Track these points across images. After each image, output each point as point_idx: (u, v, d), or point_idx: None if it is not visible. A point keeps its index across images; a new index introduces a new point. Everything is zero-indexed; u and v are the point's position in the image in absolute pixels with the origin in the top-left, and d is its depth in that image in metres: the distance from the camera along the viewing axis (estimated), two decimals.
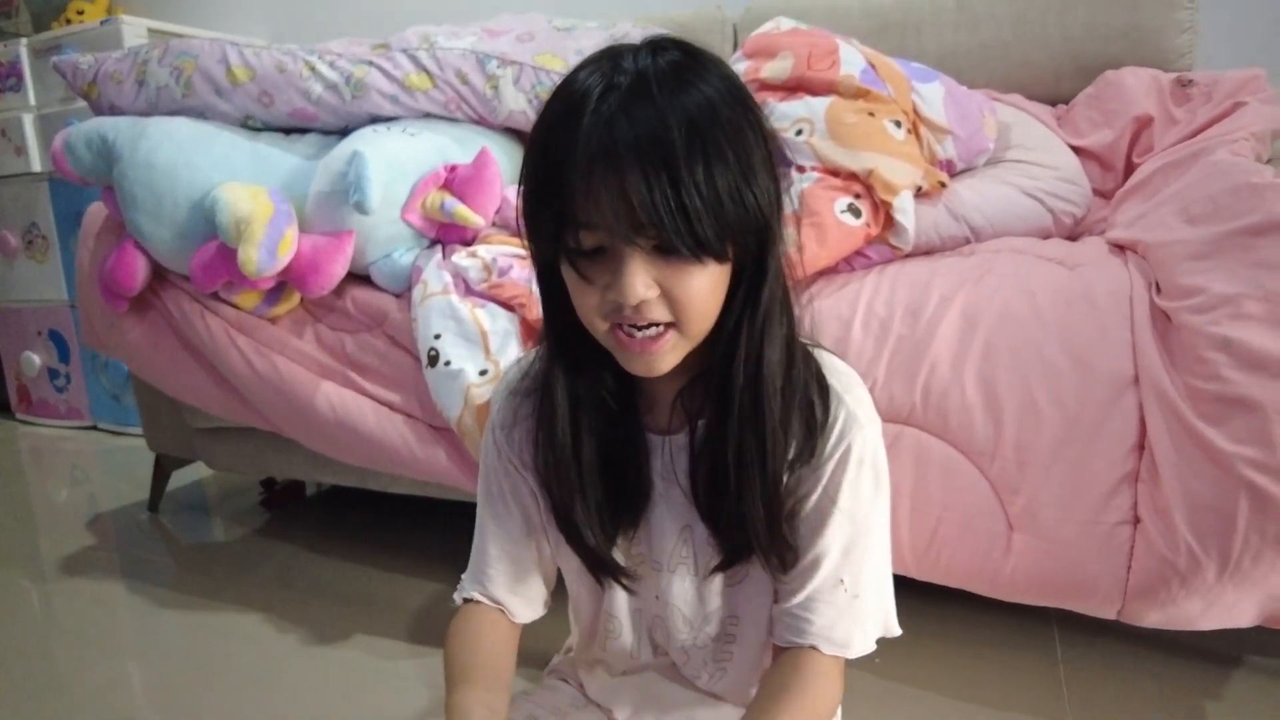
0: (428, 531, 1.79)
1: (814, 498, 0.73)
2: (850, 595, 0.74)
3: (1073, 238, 1.45)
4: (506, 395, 0.82)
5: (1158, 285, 1.07)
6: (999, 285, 1.13)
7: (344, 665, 1.33)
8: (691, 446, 0.74)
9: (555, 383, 0.73)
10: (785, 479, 0.71)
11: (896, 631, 0.78)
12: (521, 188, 0.68)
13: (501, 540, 0.83)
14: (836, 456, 0.72)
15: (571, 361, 0.73)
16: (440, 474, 1.34)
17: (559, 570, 0.87)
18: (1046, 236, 1.41)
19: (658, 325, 0.65)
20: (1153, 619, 0.95)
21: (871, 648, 0.76)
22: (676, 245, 0.60)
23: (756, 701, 0.75)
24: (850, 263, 1.29)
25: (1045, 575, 0.98)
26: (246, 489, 2.13)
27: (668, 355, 0.66)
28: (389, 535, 1.79)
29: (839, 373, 0.75)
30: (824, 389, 0.72)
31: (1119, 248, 1.22)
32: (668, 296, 0.64)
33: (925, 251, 1.35)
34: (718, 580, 0.80)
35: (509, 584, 0.83)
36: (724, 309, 0.68)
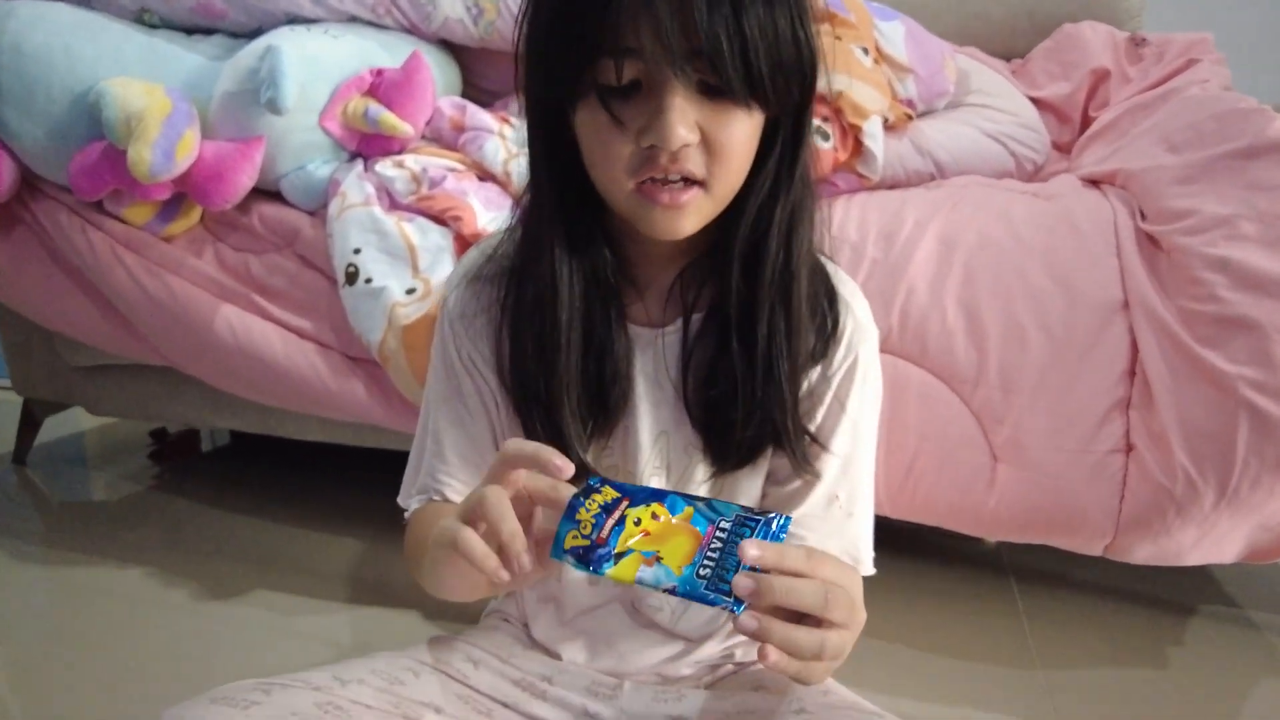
0: (337, 487, 1.63)
1: (824, 406, 0.69)
2: (845, 513, 0.70)
3: None
4: (466, 281, 0.72)
5: (1142, 212, 1.02)
6: (975, 211, 1.07)
7: (239, 623, 1.17)
8: (685, 340, 0.67)
9: (547, 260, 0.64)
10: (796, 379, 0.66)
11: (869, 558, 0.71)
12: (528, 13, 0.59)
13: (463, 446, 0.73)
14: (846, 366, 0.68)
15: (568, 227, 0.64)
16: (357, 410, 1.19)
17: None
18: None
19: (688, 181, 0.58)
20: (1142, 553, 0.89)
21: (870, 571, 0.70)
22: (730, 79, 0.53)
23: None
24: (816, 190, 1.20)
25: (1032, 509, 0.92)
26: (133, 442, 1.91)
27: (692, 215, 0.59)
28: (294, 491, 1.62)
29: (843, 280, 0.72)
30: (831, 291, 0.69)
31: (1093, 183, 1.17)
32: (707, 144, 0.57)
33: (890, 186, 1.27)
34: (693, 493, 0.71)
35: (465, 482, 0.74)
36: (752, 173, 0.61)
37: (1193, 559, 0.89)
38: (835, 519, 0.69)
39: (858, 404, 0.69)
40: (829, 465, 0.68)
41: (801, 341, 0.64)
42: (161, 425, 1.91)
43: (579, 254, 0.64)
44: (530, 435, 0.68)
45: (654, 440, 0.71)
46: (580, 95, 0.57)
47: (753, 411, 0.64)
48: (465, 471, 0.74)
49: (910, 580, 1.18)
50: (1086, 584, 1.22)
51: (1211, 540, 0.87)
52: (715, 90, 0.55)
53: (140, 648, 1.12)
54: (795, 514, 0.68)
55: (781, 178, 0.61)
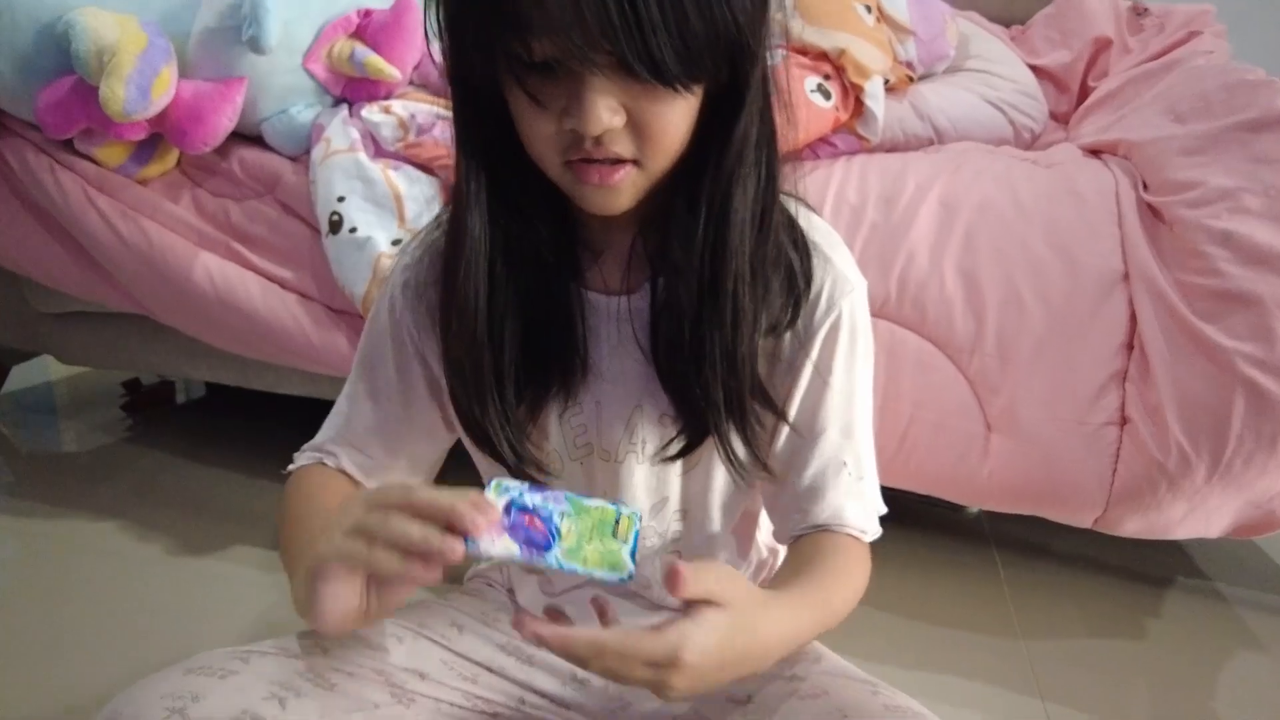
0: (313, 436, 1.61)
1: (804, 375, 0.64)
2: (855, 478, 0.66)
3: None
4: (420, 252, 0.68)
5: (1144, 183, 1.00)
6: (977, 176, 1.05)
7: (215, 576, 1.15)
8: (653, 305, 0.62)
9: (467, 225, 0.59)
10: (760, 345, 0.61)
11: (883, 511, 0.69)
12: None
13: (373, 421, 0.70)
14: (827, 326, 0.63)
15: (495, 202, 0.60)
16: (339, 363, 1.16)
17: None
18: None
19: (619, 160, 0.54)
20: (1131, 526, 0.90)
21: (879, 531, 0.68)
22: (637, 64, 0.48)
23: (775, 582, 0.65)
24: (815, 150, 1.18)
25: (1025, 479, 0.91)
26: (105, 392, 1.87)
27: (627, 191, 0.55)
28: (270, 444, 1.57)
29: (820, 230, 0.66)
30: (805, 248, 0.63)
31: (1094, 153, 1.16)
32: (634, 125, 0.53)
33: (889, 149, 1.25)
34: (674, 468, 0.69)
35: (374, 469, 0.70)
36: (695, 142, 0.56)
37: (1181, 533, 0.89)
38: (846, 485, 0.65)
39: (845, 369, 0.64)
40: (826, 434, 0.65)
41: (742, 323, 0.59)
42: (135, 376, 1.86)
43: (510, 221, 0.60)
44: (463, 423, 0.65)
45: (629, 413, 0.67)
46: (498, 73, 0.53)
47: (712, 382, 0.60)
48: (368, 447, 0.70)
49: (894, 550, 1.18)
50: (1067, 556, 1.23)
51: (1201, 515, 0.87)
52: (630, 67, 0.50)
53: (113, 600, 1.09)
54: (806, 482, 0.65)
55: (711, 152, 0.56)
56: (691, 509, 0.71)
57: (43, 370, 1.94)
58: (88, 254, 1.30)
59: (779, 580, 0.65)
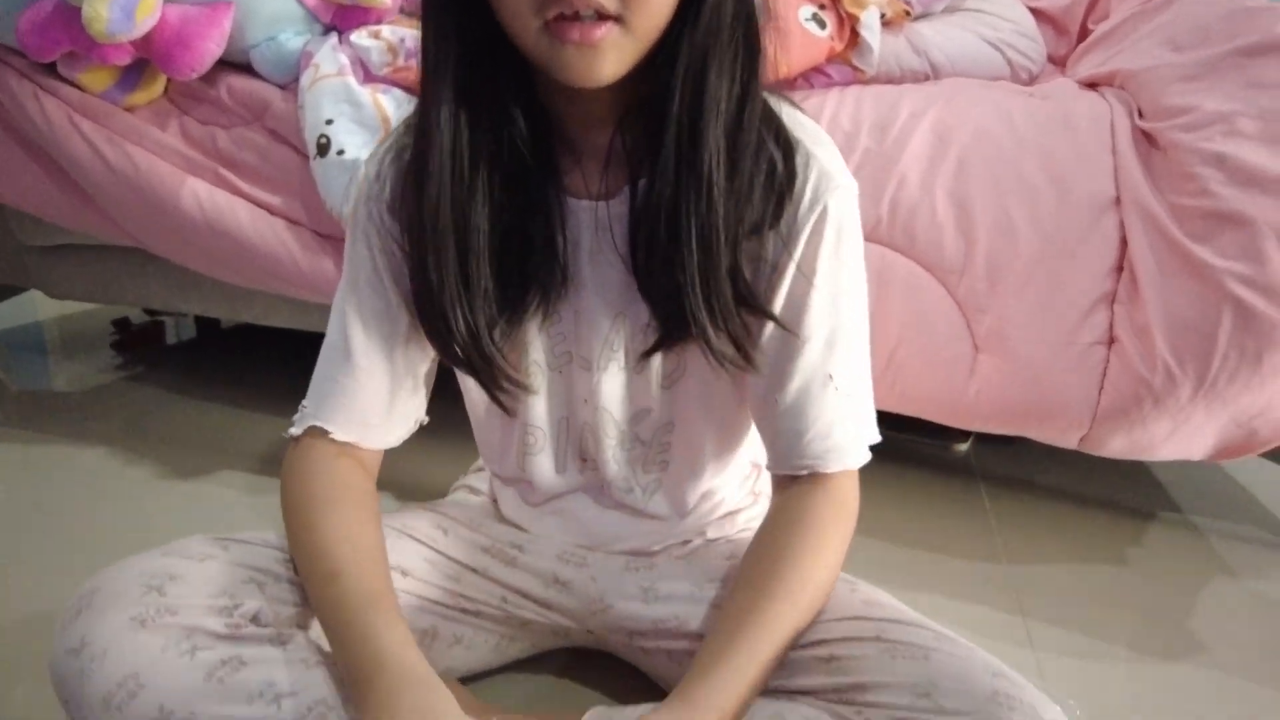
0: (306, 376, 1.61)
1: (788, 275, 0.62)
2: (842, 394, 0.64)
3: None
4: (392, 154, 0.64)
5: (1140, 111, 1.00)
6: (971, 106, 1.04)
7: (204, 499, 1.15)
8: (632, 209, 0.60)
9: (437, 121, 0.57)
10: (742, 245, 0.59)
11: (876, 439, 0.67)
12: None
13: (367, 340, 0.66)
14: (811, 223, 0.60)
15: (467, 95, 0.57)
16: (327, 289, 1.15)
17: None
18: None
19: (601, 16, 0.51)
20: (1116, 445, 0.90)
21: (868, 456, 0.66)
22: None
23: (765, 549, 0.64)
24: (809, 80, 1.17)
25: (1011, 398, 0.91)
26: (94, 332, 1.86)
27: (609, 54, 0.52)
28: (261, 381, 1.59)
29: (804, 126, 0.63)
30: (788, 144, 0.60)
31: (1090, 86, 1.15)
32: None
33: (885, 82, 1.24)
34: (653, 378, 0.68)
35: (372, 398, 0.67)
36: (674, 25, 0.54)
37: (1165, 453, 0.90)
38: (833, 402, 0.63)
39: (830, 271, 0.61)
40: (810, 343, 0.62)
41: (720, 217, 0.56)
42: (124, 315, 1.86)
43: (483, 118, 0.57)
44: (427, 333, 0.63)
45: (611, 322, 0.66)
46: None
47: (683, 287, 0.57)
48: (371, 374, 0.66)
49: (882, 482, 1.19)
50: (1050, 489, 1.25)
51: (1185, 434, 0.87)
52: None
53: (102, 521, 1.10)
54: (789, 398, 0.63)
55: (686, 24, 0.53)
56: (677, 421, 0.71)
57: (30, 309, 1.93)
58: (74, 182, 1.28)
59: (762, 550, 0.64)
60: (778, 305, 0.62)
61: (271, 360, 1.68)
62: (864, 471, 0.66)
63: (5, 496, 1.17)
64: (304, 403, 0.68)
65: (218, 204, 1.17)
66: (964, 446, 1.37)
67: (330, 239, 1.15)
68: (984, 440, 1.42)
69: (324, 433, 0.66)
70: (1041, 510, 1.18)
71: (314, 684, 0.55)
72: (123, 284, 1.45)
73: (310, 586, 0.60)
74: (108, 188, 1.23)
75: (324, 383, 0.67)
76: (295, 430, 0.67)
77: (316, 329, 1.34)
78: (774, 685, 0.59)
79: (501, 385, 0.65)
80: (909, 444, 1.36)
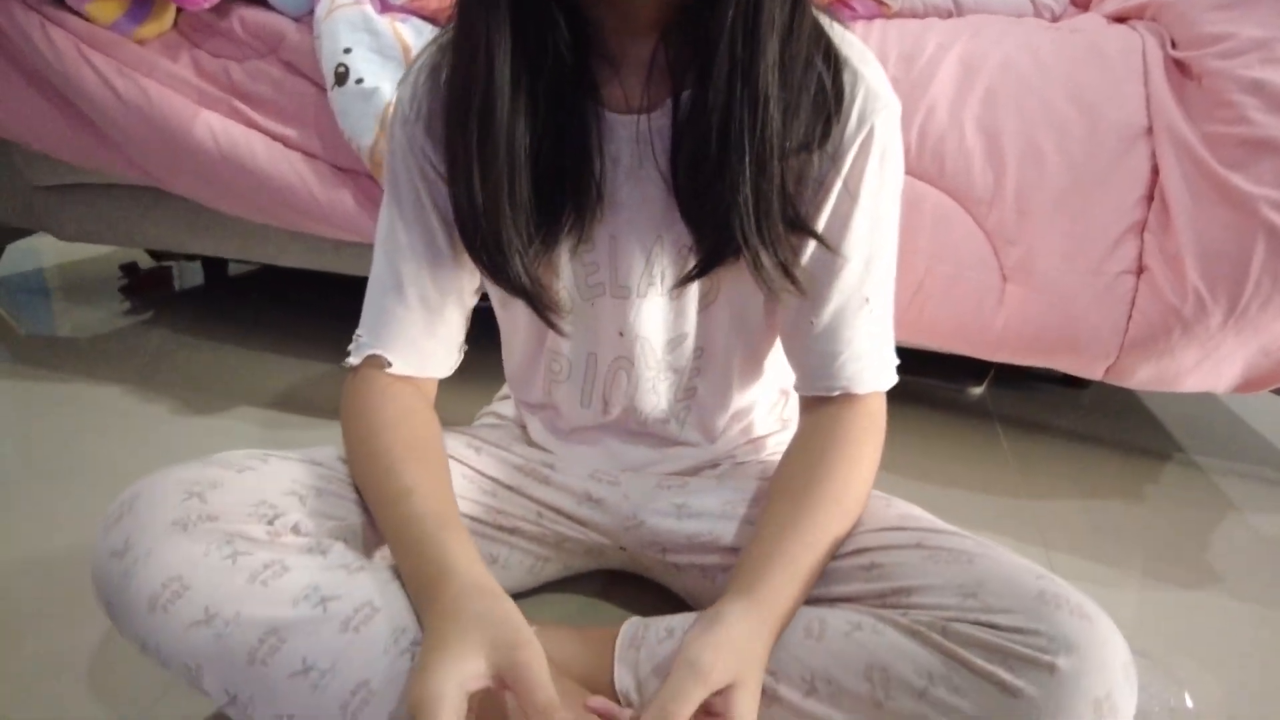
0: (319, 317, 1.60)
1: (833, 193, 0.61)
2: (875, 317, 0.64)
3: None
4: (425, 74, 0.63)
5: (1172, 41, 0.98)
6: (999, 39, 1.03)
7: (218, 432, 1.15)
8: (674, 123, 0.59)
9: (479, 27, 0.55)
10: (790, 164, 0.58)
11: (897, 362, 0.68)
12: None
13: (416, 267, 0.65)
14: (859, 142, 0.60)
15: (508, 11, 0.55)
16: (345, 223, 1.14)
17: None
18: None
19: None
20: (1142, 375, 0.90)
21: (895, 379, 0.66)
22: None
23: (801, 463, 0.64)
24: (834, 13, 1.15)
25: (1038, 329, 0.91)
26: (101, 278, 1.85)
27: None
28: (274, 323, 1.58)
29: (851, 44, 0.62)
30: (836, 62, 0.59)
31: (1119, 20, 1.13)
32: None
33: (909, 16, 1.22)
34: (692, 301, 0.67)
35: (424, 326, 0.66)
36: None
37: (1190, 383, 0.90)
38: (866, 324, 0.64)
39: (872, 191, 0.61)
40: (850, 263, 0.62)
41: (773, 133, 0.55)
42: (131, 260, 1.84)
43: (525, 30, 0.55)
44: (473, 253, 0.62)
45: (651, 245, 0.64)
46: None
47: (733, 204, 0.56)
48: (418, 303, 0.65)
49: (901, 423, 1.21)
50: (1065, 430, 1.26)
51: (1212, 363, 0.87)
52: None
53: (123, 454, 1.09)
54: (825, 318, 0.63)
55: None
56: (707, 346, 0.70)
57: (33, 256, 1.91)
58: (83, 116, 1.26)
59: (792, 474, 0.64)
60: (821, 224, 0.62)
61: (281, 306, 1.67)
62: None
63: (21, 432, 1.17)
64: (358, 333, 0.68)
65: (232, 137, 1.16)
66: (980, 389, 1.37)
67: (348, 172, 1.14)
68: (999, 384, 1.43)
69: (382, 362, 0.66)
70: (1057, 451, 1.19)
71: (359, 587, 0.55)
72: (133, 224, 1.44)
73: (378, 506, 0.60)
74: (119, 120, 1.21)
75: (377, 312, 0.67)
76: (353, 360, 0.67)
77: (331, 268, 1.33)
78: (814, 595, 0.59)
79: (547, 305, 0.64)
80: (927, 387, 1.37)
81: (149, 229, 1.43)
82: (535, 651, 0.48)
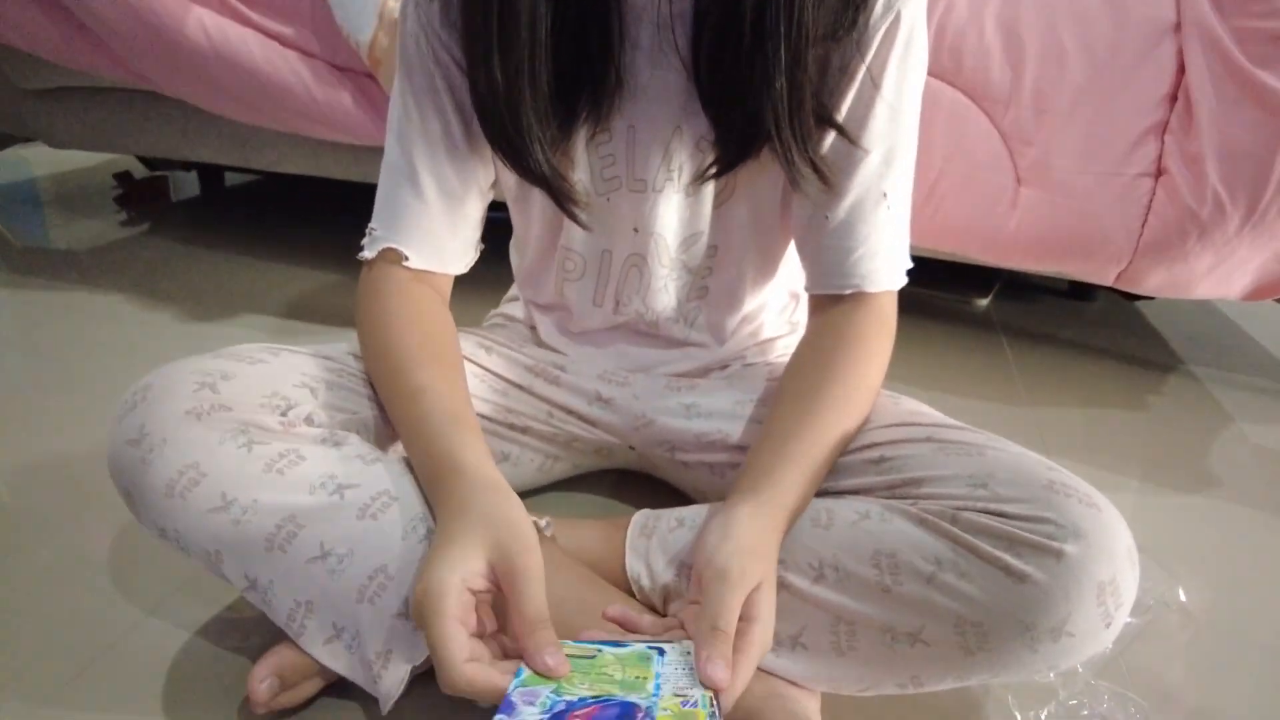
0: (319, 227, 1.58)
1: (856, 80, 0.59)
2: (893, 214, 0.63)
3: None
4: None
5: None
6: None
7: (223, 339, 1.15)
8: (697, 6, 0.56)
9: None
10: (815, 52, 0.56)
11: (910, 264, 0.66)
12: None
13: (431, 155, 0.63)
14: (884, 28, 0.58)
15: None
16: (344, 123, 1.12)
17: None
18: None
19: None
20: (1154, 280, 0.89)
21: (906, 280, 0.65)
22: None
23: (811, 361, 0.64)
24: None
25: (1052, 231, 0.90)
26: (94, 188, 1.81)
27: None
28: (272, 237, 1.57)
29: None
30: None
31: None
32: None
33: None
34: (707, 199, 0.66)
35: (442, 217, 0.65)
36: None
37: (1202, 289, 0.89)
38: (882, 220, 0.62)
39: (895, 82, 0.59)
40: (870, 155, 0.61)
41: (805, 18, 0.53)
42: (126, 169, 1.81)
43: None
44: (492, 139, 0.60)
45: (667, 137, 0.63)
46: None
47: (758, 93, 0.55)
48: (434, 194, 0.64)
49: (906, 333, 1.21)
50: (1068, 342, 1.27)
51: (1226, 269, 0.87)
52: None
53: (125, 359, 1.09)
54: (841, 211, 0.62)
55: None
56: (721, 244, 0.69)
57: (24, 167, 1.87)
58: (73, 15, 1.22)
59: (803, 369, 0.64)
60: (842, 113, 0.60)
61: (279, 216, 1.65)
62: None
63: (24, 342, 1.17)
64: (371, 225, 0.66)
65: (226, 35, 1.12)
66: (984, 301, 1.37)
67: (347, 71, 1.11)
68: (1004, 297, 1.42)
69: (399, 256, 0.64)
70: (1060, 361, 1.19)
71: (376, 477, 0.56)
72: (125, 130, 1.41)
73: (392, 402, 0.60)
74: (107, 17, 1.17)
75: (391, 204, 0.65)
76: (368, 254, 0.66)
77: (332, 174, 1.30)
78: (822, 488, 0.60)
79: (566, 195, 0.62)
80: (932, 299, 1.36)
81: (143, 135, 1.39)
82: (534, 560, 0.48)
